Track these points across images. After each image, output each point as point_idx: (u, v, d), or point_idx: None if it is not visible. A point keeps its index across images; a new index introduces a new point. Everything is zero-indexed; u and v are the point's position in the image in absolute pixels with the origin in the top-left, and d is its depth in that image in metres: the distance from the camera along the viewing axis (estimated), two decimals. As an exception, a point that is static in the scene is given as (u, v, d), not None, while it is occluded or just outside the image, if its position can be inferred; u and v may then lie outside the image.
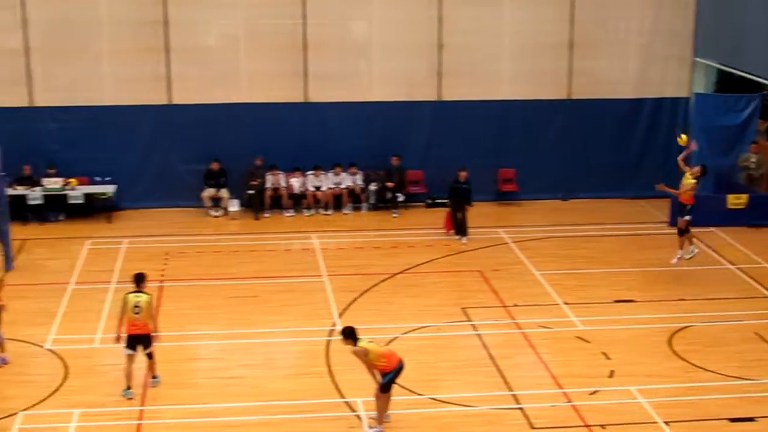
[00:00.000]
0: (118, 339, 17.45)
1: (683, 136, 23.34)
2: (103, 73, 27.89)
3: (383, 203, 28.41)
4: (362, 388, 16.71)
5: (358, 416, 16.67)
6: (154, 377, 17.77)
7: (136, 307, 17.24)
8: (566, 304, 21.59)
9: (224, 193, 27.96)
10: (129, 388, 17.33)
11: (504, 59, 28.92)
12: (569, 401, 17.20)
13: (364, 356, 15.95)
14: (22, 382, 17.96)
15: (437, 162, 28.43)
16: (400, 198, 28.33)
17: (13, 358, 18.75)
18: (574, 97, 29.14)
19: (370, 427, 16.20)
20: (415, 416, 16.69)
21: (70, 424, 16.47)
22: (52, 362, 18.75)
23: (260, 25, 28.22)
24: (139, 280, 17.55)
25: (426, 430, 16.37)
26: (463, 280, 23.11)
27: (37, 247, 25.23)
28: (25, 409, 16.90)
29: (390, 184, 28.23)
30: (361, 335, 16.02)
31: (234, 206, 27.92)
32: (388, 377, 15.96)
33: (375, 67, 28.72)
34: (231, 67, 28.10)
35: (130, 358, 17.33)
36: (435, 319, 20.64)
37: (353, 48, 28.73)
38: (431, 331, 20.15)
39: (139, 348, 17.39)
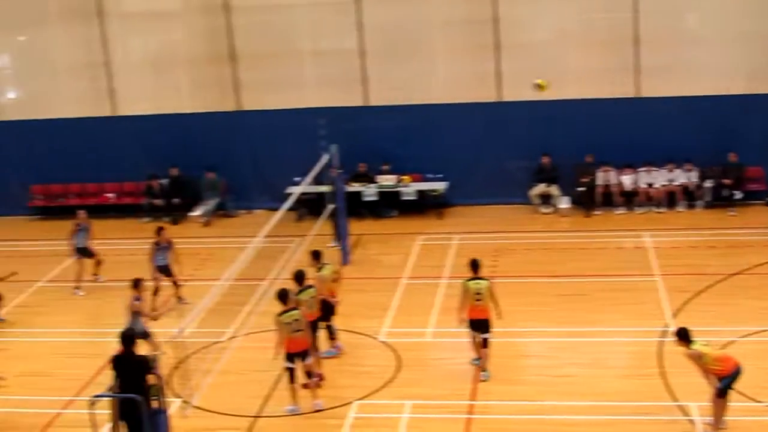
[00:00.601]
0: (461, 322, 17.91)
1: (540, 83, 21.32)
2: (435, 72, 28.46)
3: (719, 201, 27.30)
4: (697, 392, 16.04)
5: (691, 421, 16.06)
6: (483, 371, 17.89)
7: (478, 293, 17.68)
8: None
9: (554, 190, 27.78)
10: (479, 358, 17.98)
11: None
12: None
13: (698, 359, 15.35)
14: (357, 373, 18.54)
15: (779, 158, 27.04)
16: (738, 196, 27.12)
17: (349, 349, 19.39)
18: None
19: (706, 433, 15.61)
20: (754, 424, 15.89)
21: (402, 415, 16.83)
22: (385, 354, 19.24)
23: (591, 19, 27.84)
24: (477, 266, 17.93)
25: (766, 439, 15.60)
26: (806, 282, 21.85)
27: (371, 243, 26.00)
28: (359, 399, 17.43)
29: (727, 182, 27.09)
30: (695, 337, 15.42)
31: (564, 203, 27.70)
32: (724, 382, 15.27)
33: (710, 59, 27.55)
34: (561, 63, 27.80)
35: (474, 338, 17.93)
36: (776, 323, 19.61)
37: (686, 40, 27.70)
38: (772, 335, 19.16)
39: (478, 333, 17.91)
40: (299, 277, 18.15)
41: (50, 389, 18.53)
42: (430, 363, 18.96)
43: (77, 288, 23.69)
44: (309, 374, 17.27)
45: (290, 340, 16.81)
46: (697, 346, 15.33)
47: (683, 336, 15.44)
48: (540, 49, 28.10)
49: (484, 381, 17.79)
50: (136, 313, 18.35)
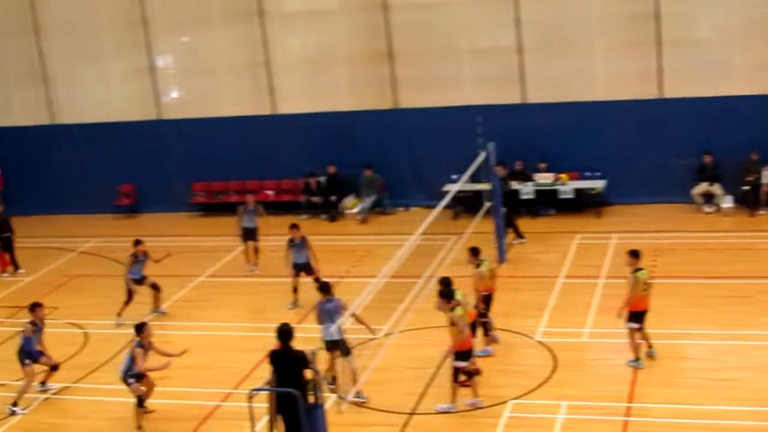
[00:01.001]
0: (620, 315, 17.92)
1: None
2: (593, 68, 28.05)
3: None
4: None
5: None
6: (650, 349, 18.14)
7: (646, 284, 17.79)
8: None
9: (717, 188, 27.05)
10: (638, 359, 17.92)
11: None
12: None
13: None
14: (513, 372, 18.42)
15: None
16: None
17: (505, 348, 19.29)
18: None
19: None
20: None
21: (557, 415, 16.64)
22: (541, 354, 19.05)
23: (756, 14, 26.99)
24: (639, 256, 18.04)
25: None
26: None
27: (528, 241, 25.72)
28: (515, 398, 17.30)
29: None
30: None
31: (727, 202, 26.95)
32: None
33: None
34: (724, 59, 27.10)
35: (633, 333, 17.88)
36: None
37: None
38: None
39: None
40: (446, 282, 17.73)
41: (210, 382, 18.95)
42: (587, 363, 18.71)
43: (254, 265, 24.77)
44: (468, 373, 17.15)
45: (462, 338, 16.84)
46: None
47: None
48: (703, 44, 27.51)
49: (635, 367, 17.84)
50: (332, 315, 17.62)
